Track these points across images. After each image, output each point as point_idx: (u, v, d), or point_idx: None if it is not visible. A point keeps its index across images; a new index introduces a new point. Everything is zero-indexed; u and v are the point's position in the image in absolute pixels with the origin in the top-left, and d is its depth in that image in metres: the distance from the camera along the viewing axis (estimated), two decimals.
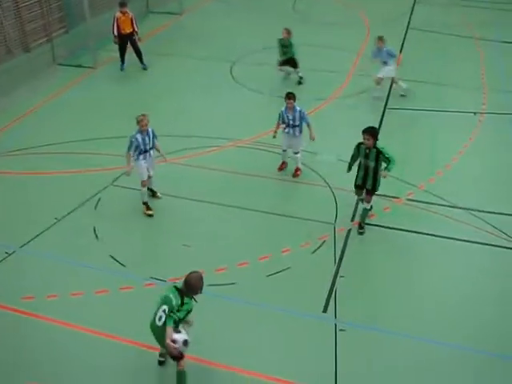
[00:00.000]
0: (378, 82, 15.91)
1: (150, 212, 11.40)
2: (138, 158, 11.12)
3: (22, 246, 10.53)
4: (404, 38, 20.68)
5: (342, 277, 9.92)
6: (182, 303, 7.53)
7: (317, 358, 8.49)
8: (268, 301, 9.40)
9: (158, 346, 8.13)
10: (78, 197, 11.79)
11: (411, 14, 23.55)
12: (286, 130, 12.37)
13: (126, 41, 17.45)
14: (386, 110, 15.51)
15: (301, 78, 16.76)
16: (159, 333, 7.58)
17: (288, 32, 16.34)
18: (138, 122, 10.91)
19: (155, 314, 7.60)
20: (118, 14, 17.20)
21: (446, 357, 8.51)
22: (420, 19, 22.73)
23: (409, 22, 22.42)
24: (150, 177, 11.48)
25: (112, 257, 10.27)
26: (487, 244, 10.74)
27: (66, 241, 10.70)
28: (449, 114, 15.43)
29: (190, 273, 7.61)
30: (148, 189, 11.64)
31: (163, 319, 7.49)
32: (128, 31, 17.31)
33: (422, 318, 9.20)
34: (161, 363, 8.30)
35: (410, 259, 10.55)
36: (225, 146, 13.71)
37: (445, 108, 15.72)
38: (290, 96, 12.11)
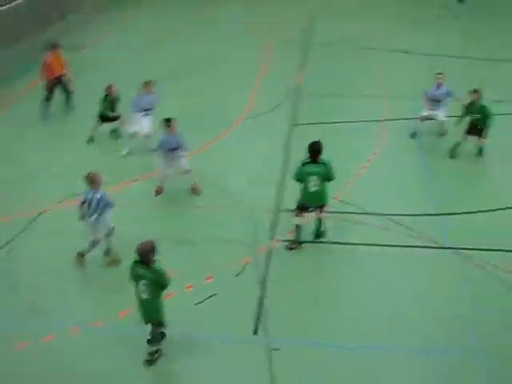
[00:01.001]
0: (135, 136, 14.22)
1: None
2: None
3: None
4: (305, 55, 21.12)
5: (268, 296, 9.95)
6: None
7: (253, 382, 8.45)
8: (198, 329, 9.31)
9: None
10: None
11: (312, 29, 23.99)
12: (168, 154, 12.45)
13: (56, 85, 16.33)
14: (294, 127, 15.75)
15: (118, 136, 15.33)
16: (146, 306, 8.40)
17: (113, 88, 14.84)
18: (94, 182, 10.29)
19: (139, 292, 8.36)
20: (49, 58, 15.99)
21: (384, 361, 8.72)
22: (321, 34, 23.20)
23: (310, 38, 22.86)
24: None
25: (31, 304, 9.85)
26: (408, 246, 11.07)
27: None
28: (355, 125, 15.84)
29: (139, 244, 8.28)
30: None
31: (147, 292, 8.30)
32: (58, 74, 16.17)
33: (353, 326, 9.37)
34: None
35: (333, 270, 10.74)
36: (138, 178, 13.51)
37: (350, 119, 16.11)
38: (170, 119, 12.37)
